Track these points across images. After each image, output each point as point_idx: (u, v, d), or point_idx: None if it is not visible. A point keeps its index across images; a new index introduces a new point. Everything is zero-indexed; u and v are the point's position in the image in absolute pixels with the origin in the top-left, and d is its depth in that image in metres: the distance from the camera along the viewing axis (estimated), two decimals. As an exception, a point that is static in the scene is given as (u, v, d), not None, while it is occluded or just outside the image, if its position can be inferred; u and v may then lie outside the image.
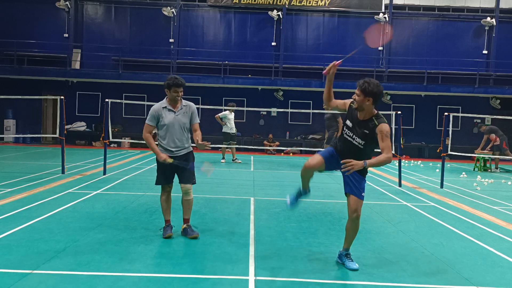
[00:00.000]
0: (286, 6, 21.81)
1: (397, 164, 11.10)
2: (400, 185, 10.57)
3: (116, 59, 21.05)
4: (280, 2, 21.83)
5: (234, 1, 21.89)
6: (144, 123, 5.46)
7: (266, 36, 22.24)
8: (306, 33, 22.37)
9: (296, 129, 21.92)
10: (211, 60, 21.31)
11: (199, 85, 20.29)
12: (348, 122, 4.55)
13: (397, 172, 10.85)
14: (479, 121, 21.09)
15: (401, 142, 10.89)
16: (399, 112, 10.96)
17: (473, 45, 22.18)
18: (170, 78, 5.32)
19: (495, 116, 13.61)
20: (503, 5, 21.93)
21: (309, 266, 4.60)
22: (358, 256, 4.83)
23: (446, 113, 11.00)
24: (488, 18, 21.56)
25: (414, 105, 21.93)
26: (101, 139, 14.63)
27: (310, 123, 21.74)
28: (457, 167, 16.48)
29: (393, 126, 11.22)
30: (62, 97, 10.97)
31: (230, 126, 14.79)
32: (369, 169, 4.73)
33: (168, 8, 21.38)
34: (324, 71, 4.56)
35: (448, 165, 16.70)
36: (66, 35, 21.78)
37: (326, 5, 22.01)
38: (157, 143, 5.48)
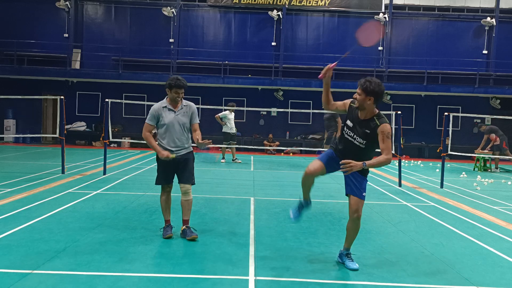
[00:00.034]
0: (286, 6, 21.81)
1: (397, 164, 11.10)
2: (400, 185, 10.57)
3: (116, 59, 21.06)
4: (280, 2, 21.83)
5: (234, 1, 21.89)
6: (144, 123, 5.46)
7: (266, 36, 22.24)
8: (306, 33, 22.37)
9: (296, 129, 21.92)
10: (211, 60, 21.32)
11: (199, 85, 20.29)
12: (348, 122, 4.52)
13: (397, 172, 10.85)
14: (479, 121, 21.09)
15: (401, 142, 10.89)
16: (399, 112, 10.97)
17: (473, 45, 22.18)
18: (172, 78, 5.31)
19: (495, 116, 13.62)
20: (503, 5, 21.93)
21: (309, 266, 4.60)
22: (358, 256, 4.83)
23: (446, 113, 11.00)
24: (488, 18, 21.57)
25: (414, 105, 21.94)
26: (101, 139, 14.63)
27: (310, 123, 21.74)
28: (457, 167, 16.48)
29: (393, 126, 11.22)
30: (62, 97, 10.97)
31: (230, 126, 14.79)
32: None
33: (168, 8, 21.39)
34: (320, 75, 4.50)
35: (448, 165, 16.70)
36: (66, 35, 21.78)
37: (326, 5, 22.01)
38: (157, 143, 5.47)
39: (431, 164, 17.31)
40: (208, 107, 15.44)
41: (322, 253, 5.06)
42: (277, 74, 21.29)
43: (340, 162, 4.30)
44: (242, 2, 21.87)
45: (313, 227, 6.22)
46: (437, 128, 21.28)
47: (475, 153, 15.02)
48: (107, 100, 11.13)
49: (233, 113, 14.99)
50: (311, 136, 21.42)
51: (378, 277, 4.34)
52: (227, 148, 15.02)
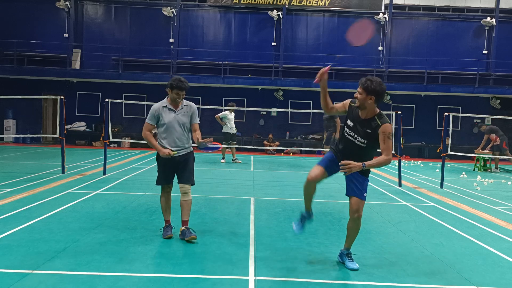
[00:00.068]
0: (286, 6, 21.81)
1: (397, 164, 11.10)
2: (400, 185, 10.58)
3: (116, 59, 21.06)
4: (280, 2, 21.83)
5: (234, 1, 21.89)
6: (144, 122, 5.46)
7: (266, 36, 22.24)
8: (306, 33, 22.37)
9: (296, 129, 21.92)
10: (211, 60, 21.32)
11: (199, 85, 20.30)
12: (349, 122, 4.49)
13: (397, 172, 10.85)
14: (479, 121, 21.09)
15: (401, 142, 10.90)
16: (399, 112, 10.97)
17: (473, 45, 22.18)
18: (175, 79, 5.29)
19: (495, 116, 13.60)
20: (503, 5, 21.93)
21: (309, 266, 4.60)
22: (358, 256, 4.82)
23: (446, 113, 11.00)
24: (488, 18, 21.57)
25: (414, 105, 21.94)
26: (101, 139, 14.64)
27: (310, 123, 21.74)
28: (457, 167, 16.48)
29: (393, 126, 11.22)
30: (62, 97, 10.97)
31: (230, 126, 14.79)
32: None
33: (168, 8, 21.39)
34: (315, 80, 4.45)
35: (448, 165, 16.70)
36: (66, 35, 21.78)
37: (326, 5, 22.01)
38: (157, 142, 5.46)
39: (431, 164, 17.31)
40: (208, 107, 15.44)
41: (322, 253, 5.06)
42: (277, 74, 21.29)
43: (340, 163, 4.28)
44: (242, 2, 21.87)
45: (313, 227, 6.21)
46: (437, 128, 21.28)
47: (475, 153, 15.03)
48: (107, 100, 11.13)
49: (233, 113, 14.99)
50: (311, 136, 21.43)
51: (378, 277, 4.34)
52: (227, 148, 15.02)
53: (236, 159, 15.07)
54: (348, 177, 4.50)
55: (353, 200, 4.49)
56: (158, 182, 5.50)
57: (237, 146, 15.80)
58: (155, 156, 5.53)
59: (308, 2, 21.96)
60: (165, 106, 5.37)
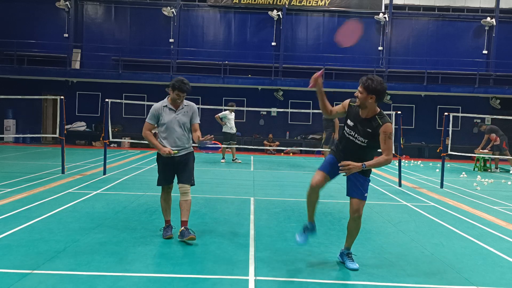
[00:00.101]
0: (286, 6, 21.81)
1: (397, 164, 11.10)
2: (400, 185, 10.58)
3: (116, 59, 21.06)
4: (280, 2, 21.83)
5: (234, 1, 21.89)
6: (145, 122, 5.45)
7: (266, 36, 22.24)
8: (306, 33, 22.37)
9: (296, 129, 21.92)
10: (211, 60, 21.32)
11: (199, 85, 20.29)
12: (349, 122, 4.46)
13: (397, 172, 10.86)
14: (479, 121, 21.09)
15: (401, 142, 10.90)
16: (399, 112, 10.97)
17: (473, 45, 22.18)
18: (178, 80, 5.28)
19: (495, 116, 13.60)
20: (503, 5, 21.93)
21: (309, 266, 4.61)
22: (358, 256, 4.82)
23: (446, 113, 11.00)
24: (488, 18, 21.57)
25: (414, 105, 21.94)
26: (101, 139, 14.63)
27: (310, 123, 21.74)
28: (457, 167, 16.48)
29: (393, 126, 11.22)
30: (62, 97, 10.97)
31: (230, 126, 14.79)
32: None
33: (168, 8, 21.39)
34: (309, 86, 4.40)
35: (448, 165, 16.70)
36: (66, 35, 21.78)
37: (326, 5, 22.01)
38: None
39: (431, 164, 17.31)
40: (208, 107, 15.44)
41: (322, 253, 5.07)
42: (277, 74, 21.29)
43: (339, 164, 4.27)
44: (242, 2, 21.87)
45: (313, 227, 6.21)
46: (437, 128, 21.28)
47: (475, 153, 15.03)
48: (107, 100, 11.13)
49: (233, 113, 14.99)
50: (311, 136, 21.43)
51: (378, 277, 4.34)
52: (227, 148, 15.02)
53: (236, 159, 15.07)
54: (348, 178, 4.49)
55: (353, 200, 4.49)
56: (159, 183, 5.50)
57: (237, 146, 15.81)
58: (155, 157, 5.53)
59: (308, 2, 21.96)
60: (166, 106, 5.36)
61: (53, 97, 13.65)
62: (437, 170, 14.27)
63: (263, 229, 6.04)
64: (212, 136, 5.49)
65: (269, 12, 21.62)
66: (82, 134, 21.20)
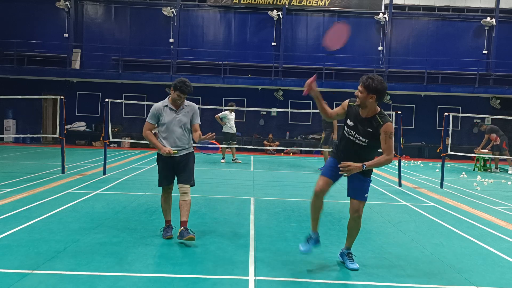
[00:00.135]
0: (286, 6, 21.81)
1: (397, 164, 11.11)
2: (400, 185, 10.58)
3: (116, 59, 21.06)
4: (280, 2, 21.83)
5: (234, 1, 21.89)
6: (145, 122, 5.45)
7: (266, 36, 22.24)
8: (306, 33, 22.37)
9: (296, 129, 21.92)
10: (211, 60, 21.31)
11: (199, 85, 20.27)
12: (349, 122, 4.44)
13: (397, 172, 10.86)
14: (479, 121, 21.09)
15: (401, 142, 10.90)
16: (399, 112, 10.97)
17: (473, 45, 22.18)
18: (180, 81, 5.27)
19: (495, 116, 13.60)
20: (503, 5, 21.93)
21: (309, 266, 4.60)
22: (358, 256, 4.82)
23: (446, 113, 11.00)
24: (488, 18, 21.56)
25: (414, 105, 21.94)
26: (101, 139, 14.63)
27: (310, 123, 21.74)
28: (457, 167, 16.48)
29: (393, 126, 11.22)
30: (62, 97, 10.97)
31: (230, 126, 14.79)
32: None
33: (168, 8, 21.39)
34: (304, 93, 4.37)
35: (448, 165, 16.70)
36: (66, 35, 21.78)
37: (326, 5, 22.01)
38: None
39: (431, 164, 17.31)
40: (208, 107, 15.43)
41: (322, 253, 5.06)
42: (277, 74, 21.29)
43: (339, 165, 4.26)
44: (242, 2, 21.87)
45: (313, 227, 6.21)
46: (437, 128, 21.27)
47: (475, 153, 15.03)
48: (107, 100, 11.12)
49: (233, 113, 14.99)
50: (311, 136, 21.42)
51: (378, 277, 4.34)
52: (227, 148, 15.02)
53: (236, 159, 15.07)
54: (349, 178, 4.47)
55: (354, 201, 4.48)
56: (160, 184, 5.50)
57: (237, 146, 15.81)
58: (156, 157, 5.53)
59: (308, 2, 21.96)
60: (166, 106, 5.36)
61: (53, 97, 13.65)
62: (437, 170, 14.27)
63: (263, 229, 6.04)
64: (214, 134, 5.48)
65: (269, 12, 21.62)
66: (82, 134, 21.20)
